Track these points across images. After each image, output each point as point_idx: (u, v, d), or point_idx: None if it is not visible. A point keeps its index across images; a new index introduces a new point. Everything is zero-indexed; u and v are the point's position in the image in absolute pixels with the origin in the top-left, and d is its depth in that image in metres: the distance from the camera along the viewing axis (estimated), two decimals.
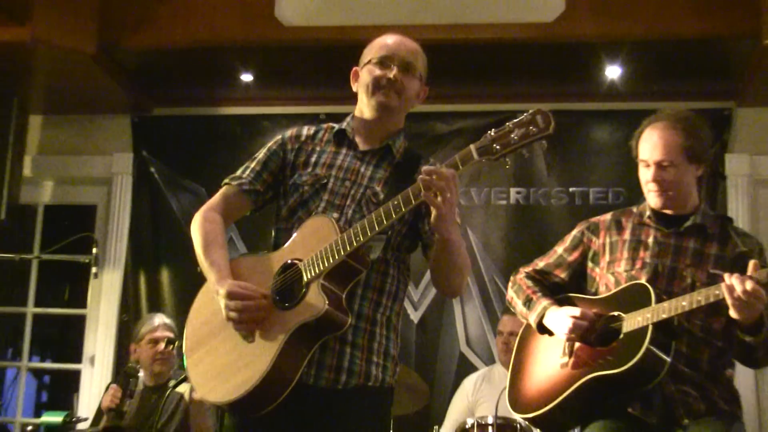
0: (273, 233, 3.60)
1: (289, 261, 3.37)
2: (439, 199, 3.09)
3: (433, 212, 3.15)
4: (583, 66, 6.80)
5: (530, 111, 3.13)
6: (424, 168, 3.12)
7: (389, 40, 3.61)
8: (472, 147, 3.17)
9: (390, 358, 3.50)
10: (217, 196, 3.62)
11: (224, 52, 6.75)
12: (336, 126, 3.65)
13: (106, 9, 6.57)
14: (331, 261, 3.25)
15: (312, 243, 3.35)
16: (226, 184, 3.62)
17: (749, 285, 3.42)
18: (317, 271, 3.26)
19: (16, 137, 6.71)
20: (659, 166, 3.90)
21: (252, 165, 3.59)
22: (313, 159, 3.56)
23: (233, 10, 6.61)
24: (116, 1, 6.62)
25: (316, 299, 3.24)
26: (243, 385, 3.21)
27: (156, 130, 7.43)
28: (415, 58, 3.58)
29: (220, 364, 3.36)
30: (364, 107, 3.59)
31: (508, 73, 7.04)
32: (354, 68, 3.66)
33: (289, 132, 3.65)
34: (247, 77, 7.06)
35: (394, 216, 3.18)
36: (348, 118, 3.65)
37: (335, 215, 3.42)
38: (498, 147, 3.12)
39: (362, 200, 3.47)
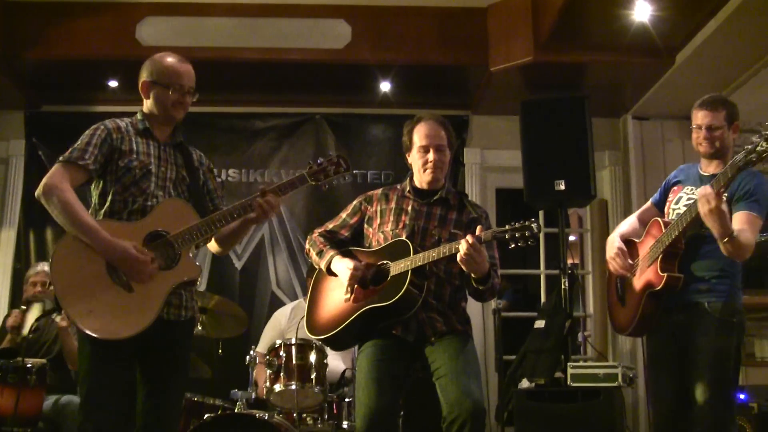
0: (107, 202, 3.38)
1: (161, 232, 3.32)
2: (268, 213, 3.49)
3: (257, 215, 3.50)
4: (363, 81, 6.72)
5: (336, 155, 3.66)
6: (265, 194, 3.48)
7: (181, 69, 3.52)
8: (306, 174, 3.67)
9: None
10: (62, 172, 3.32)
11: (97, 64, 6.40)
12: (130, 120, 3.52)
13: (7, 29, 6.17)
14: (200, 237, 3.37)
15: (173, 219, 3.35)
16: (67, 162, 3.34)
17: (471, 240, 3.44)
18: (189, 243, 3.35)
19: None
20: (438, 149, 3.86)
21: (89, 149, 3.35)
22: (133, 147, 3.43)
23: (104, 33, 6.27)
24: (16, 23, 6.19)
25: (191, 264, 3.40)
26: (137, 325, 3.17)
27: (44, 122, 7.00)
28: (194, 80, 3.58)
29: (112, 310, 3.17)
30: (160, 112, 3.51)
31: (310, 85, 6.90)
32: (144, 81, 3.51)
33: (110, 124, 3.45)
34: (113, 84, 6.71)
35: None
36: (139, 116, 3.53)
37: (160, 193, 3.41)
38: (321, 177, 3.66)
39: (176, 181, 3.50)
